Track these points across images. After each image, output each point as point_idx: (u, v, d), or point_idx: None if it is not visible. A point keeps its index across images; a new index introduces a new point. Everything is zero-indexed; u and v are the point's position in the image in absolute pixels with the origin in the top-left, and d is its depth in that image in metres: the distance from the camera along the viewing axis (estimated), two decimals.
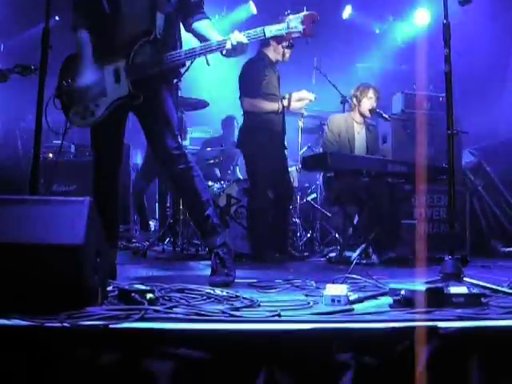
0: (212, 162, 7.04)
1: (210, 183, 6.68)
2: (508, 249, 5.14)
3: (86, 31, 3.36)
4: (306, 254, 6.12)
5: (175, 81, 5.83)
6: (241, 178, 6.59)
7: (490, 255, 6.61)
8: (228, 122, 8.12)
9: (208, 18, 3.54)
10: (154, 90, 3.38)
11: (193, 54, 3.27)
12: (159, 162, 3.56)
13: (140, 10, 3.33)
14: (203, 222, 3.51)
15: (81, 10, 3.41)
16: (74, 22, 3.39)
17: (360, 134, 6.02)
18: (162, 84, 3.44)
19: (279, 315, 2.18)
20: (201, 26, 3.49)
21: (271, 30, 3.13)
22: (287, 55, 5.45)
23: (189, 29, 3.53)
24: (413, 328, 2.06)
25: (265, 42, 5.43)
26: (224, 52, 3.21)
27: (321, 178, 6.37)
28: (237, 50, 3.16)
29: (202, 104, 7.00)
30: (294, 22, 3.09)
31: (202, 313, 2.21)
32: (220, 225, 3.58)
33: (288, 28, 3.11)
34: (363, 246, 5.11)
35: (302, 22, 3.08)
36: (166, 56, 3.30)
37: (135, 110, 3.46)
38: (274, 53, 5.44)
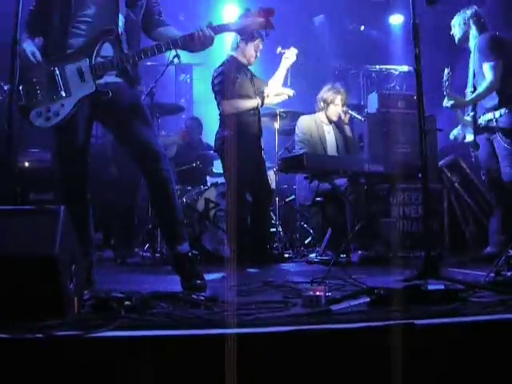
0: (188, 166, 7.00)
1: (188, 187, 6.66)
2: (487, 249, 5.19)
3: (30, 40, 3.35)
4: (286, 255, 6.12)
5: (151, 86, 5.87)
6: (218, 181, 6.55)
7: (469, 251, 6.67)
8: (194, 123, 8.04)
9: (169, 24, 3.59)
10: (121, 88, 3.38)
11: (159, 49, 3.29)
12: (139, 157, 3.44)
13: (101, 10, 3.34)
14: (176, 226, 3.45)
15: (34, 20, 3.41)
16: (22, 34, 3.30)
17: (330, 134, 6.07)
18: (130, 82, 3.45)
19: (256, 318, 2.18)
20: (165, 30, 3.54)
21: (234, 23, 3.41)
22: (252, 59, 5.46)
23: (152, 35, 3.57)
24: (390, 326, 2.06)
25: (233, 46, 5.46)
26: (190, 46, 3.31)
27: (298, 180, 6.38)
28: (204, 43, 3.26)
29: (177, 109, 6.99)
30: (253, 16, 3.35)
31: (180, 318, 2.19)
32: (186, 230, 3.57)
33: (247, 20, 3.37)
34: (342, 245, 5.12)
35: (260, 15, 3.34)
36: (130, 53, 3.32)
37: (104, 113, 3.42)
38: (242, 56, 5.46)
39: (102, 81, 3.28)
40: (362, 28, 9.97)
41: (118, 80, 3.39)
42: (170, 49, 3.38)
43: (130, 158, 3.53)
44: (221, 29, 3.35)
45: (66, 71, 3.27)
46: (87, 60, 3.26)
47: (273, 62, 5.80)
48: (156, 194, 3.47)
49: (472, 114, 5.16)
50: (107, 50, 3.30)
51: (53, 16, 3.34)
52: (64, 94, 3.26)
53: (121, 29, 3.35)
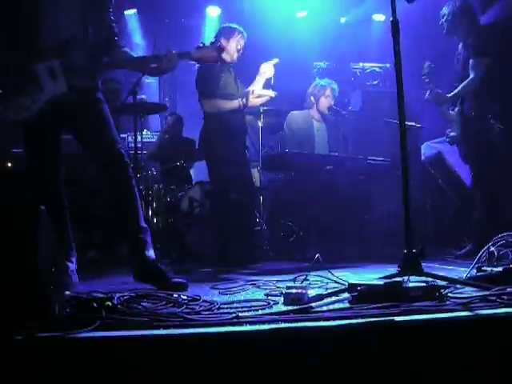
0: (173, 164, 6.98)
1: (172, 186, 6.64)
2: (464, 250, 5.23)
3: None
4: (270, 253, 6.12)
5: (133, 85, 5.86)
6: (202, 180, 6.54)
7: (452, 248, 6.71)
8: (174, 119, 8.00)
9: (125, 47, 3.72)
10: (90, 92, 3.47)
11: (121, 64, 3.68)
12: (104, 163, 3.46)
13: (70, 18, 3.42)
14: (143, 234, 3.42)
15: None
16: None
17: (320, 131, 6.06)
18: (96, 88, 3.53)
19: (238, 317, 2.18)
20: (122, 52, 3.64)
21: (194, 52, 3.54)
22: (235, 56, 5.45)
23: (110, 53, 3.65)
24: (371, 323, 2.07)
25: None
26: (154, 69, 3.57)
27: (282, 178, 6.39)
28: (167, 67, 3.47)
29: (160, 107, 6.99)
30: (209, 49, 3.56)
31: (161, 318, 2.19)
32: None
33: (204, 52, 3.55)
34: (326, 243, 5.14)
35: (214, 49, 3.57)
36: (97, 61, 3.49)
37: (71, 116, 3.46)
38: (225, 54, 5.44)
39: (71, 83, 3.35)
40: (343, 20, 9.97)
41: (86, 84, 3.44)
42: (134, 68, 3.71)
43: (95, 163, 3.55)
44: (183, 56, 3.52)
45: (36, 68, 3.31)
46: (58, 61, 3.32)
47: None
48: (119, 200, 3.47)
49: (457, 108, 5.13)
50: (77, 55, 3.38)
51: (19, 14, 3.38)
52: (35, 89, 3.30)
53: (90, 35, 3.45)
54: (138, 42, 9.50)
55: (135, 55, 3.67)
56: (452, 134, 5.22)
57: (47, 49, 3.34)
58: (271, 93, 5.59)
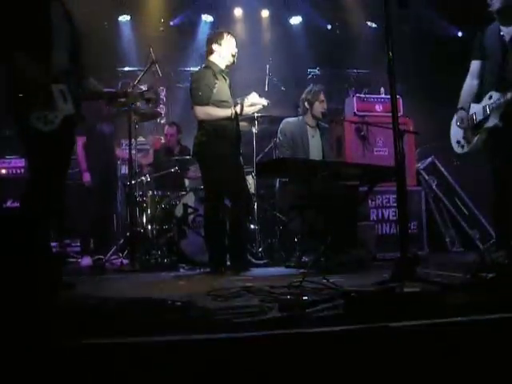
0: (167, 171, 6.98)
1: (167, 193, 6.65)
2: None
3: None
4: (265, 260, 6.12)
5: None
6: (196, 187, 6.55)
7: (447, 252, 6.73)
8: (173, 129, 8.00)
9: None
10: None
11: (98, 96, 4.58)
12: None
13: (66, 50, 3.99)
14: None
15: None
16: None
17: (314, 138, 6.05)
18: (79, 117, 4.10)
19: (232, 323, 2.17)
20: (90, 82, 4.26)
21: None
22: (231, 58, 5.45)
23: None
24: (365, 329, 2.07)
25: (209, 51, 5.46)
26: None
27: (277, 184, 6.38)
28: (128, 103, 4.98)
29: (155, 114, 7.01)
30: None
31: (154, 324, 2.18)
32: None
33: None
34: (321, 249, 5.12)
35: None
36: (82, 91, 4.11)
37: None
38: (220, 59, 5.45)
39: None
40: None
41: (76, 112, 4.00)
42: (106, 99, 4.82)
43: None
44: (140, 96, 4.83)
45: (52, 89, 3.84)
46: (66, 86, 3.90)
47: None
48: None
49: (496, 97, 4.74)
50: (72, 85, 3.97)
51: (42, 42, 3.86)
52: (55, 107, 3.82)
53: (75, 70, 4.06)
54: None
55: (104, 89, 4.52)
56: (492, 123, 4.92)
57: (57, 74, 3.86)
58: (264, 101, 5.58)
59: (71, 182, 6.17)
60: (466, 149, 5.01)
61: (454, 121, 5.09)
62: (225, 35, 5.42)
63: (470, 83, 5.01)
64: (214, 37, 5.48)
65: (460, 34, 10.40)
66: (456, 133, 5.10)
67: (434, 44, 9.49)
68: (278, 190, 6.39)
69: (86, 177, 6.85)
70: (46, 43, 3.85)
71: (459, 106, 5.04)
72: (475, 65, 5.01)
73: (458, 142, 5.08)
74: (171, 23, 10.03)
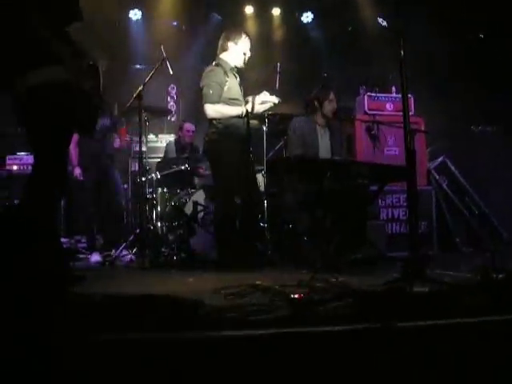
0: (177, 168, 6.98)
1: (177, 190, 6.66)
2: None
3: None
4: (274, 258, 6.10)
5: (139, 89, 5.93)
6: (207, 184, 6.55)
7: (457, 252, 6.70)
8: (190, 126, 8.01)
9: None
10: None
11: None
12: None
13: None
14: None
15: None
16: None
17: (323, 137, 6.04)
18: None
19: (242, 321, 2.18)
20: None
21: None
22: (242, 58, 5.45)
23: None
24: (374, 328, 2.07)
25: (223, 48, 5.45)
26: None
27: (287, 183, 6.37)
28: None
29: (165, 112, 7.02)
30: None
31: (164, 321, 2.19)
32: None
33: None
34: (330, 247, 5.12)
35: None
36: None
37: None
38: (232, 58, 5.44)
39: None
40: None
41: None
42: None
43: None
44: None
45: None
46: None
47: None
48: None
49: None
50: None
51: None
52: None
53: None
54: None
55: None
56: None
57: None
58: (275, 99, 5.57)
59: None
60: None
61: None
62: (243, 35, 5.41)
63: None
64: (232, 34, 5.46)
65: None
66: None
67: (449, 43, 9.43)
68: (288, 188, 6.38)
69: (77, 171, 6.83)
70: None
71: None
72: None
73: None
74: (182, 21, 10.03)
